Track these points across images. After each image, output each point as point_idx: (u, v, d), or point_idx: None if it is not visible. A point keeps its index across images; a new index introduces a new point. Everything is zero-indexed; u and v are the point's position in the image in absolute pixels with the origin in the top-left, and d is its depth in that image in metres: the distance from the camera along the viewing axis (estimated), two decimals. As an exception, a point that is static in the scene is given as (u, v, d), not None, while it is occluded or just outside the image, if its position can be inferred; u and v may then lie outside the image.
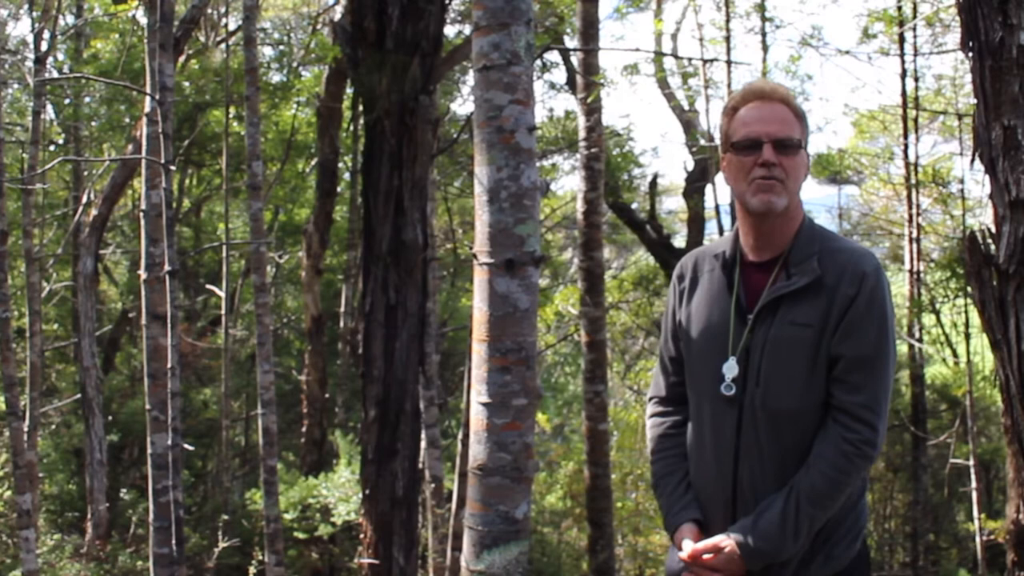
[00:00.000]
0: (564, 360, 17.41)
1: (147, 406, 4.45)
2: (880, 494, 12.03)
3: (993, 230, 3.03)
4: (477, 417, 1.76)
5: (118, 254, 15.12)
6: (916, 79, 11.32)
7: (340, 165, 12.30)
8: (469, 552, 1.76)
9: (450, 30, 11.02)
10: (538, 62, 11.11)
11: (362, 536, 5.62)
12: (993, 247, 3.01)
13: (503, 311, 1.73)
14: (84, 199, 11.18)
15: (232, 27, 12.55)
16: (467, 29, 10.92)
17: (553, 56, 12.39)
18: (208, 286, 13.53)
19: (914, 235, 10.79)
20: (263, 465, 6.32)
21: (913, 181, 10.82)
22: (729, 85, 10.59)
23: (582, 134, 7.58)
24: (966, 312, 10.08)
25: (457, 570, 7.27)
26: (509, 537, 1.74)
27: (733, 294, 2.14)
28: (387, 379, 5.41)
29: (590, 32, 7.31)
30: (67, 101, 12.18)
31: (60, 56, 12.37)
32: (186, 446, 5.98)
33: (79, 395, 10.53)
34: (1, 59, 9.89)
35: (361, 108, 8.81)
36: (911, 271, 10.77)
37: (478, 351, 1.76)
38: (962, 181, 11.38)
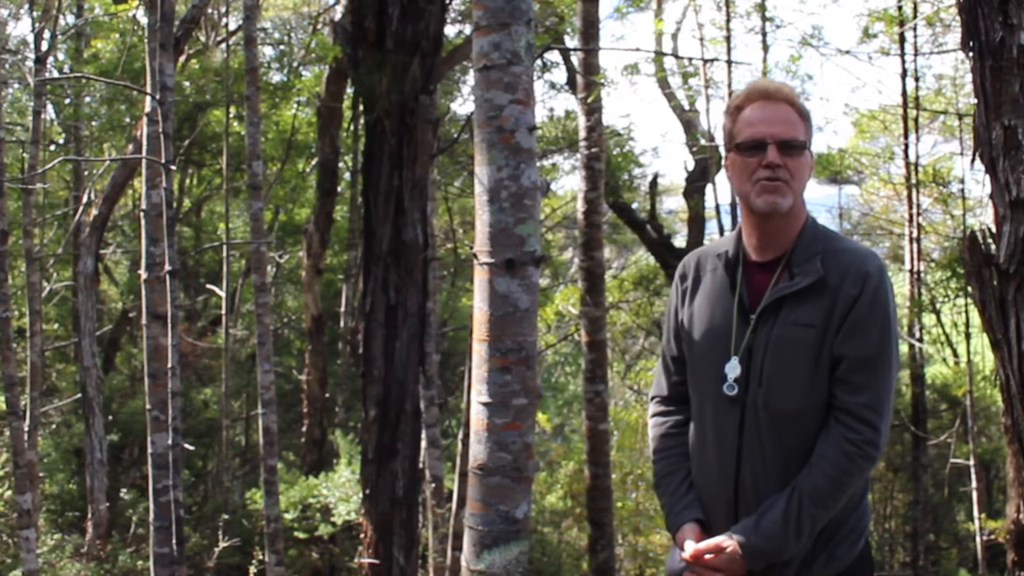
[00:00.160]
0: (564, 360, 17.41)
1: (147, 406, 4.45)
2: (880, 494, 12.03)
3: (993, 230, 3.03)
4: (477, 417, 1.76)
5: (118, 254, 15.12)
6: (916, 79, 11.33)
7: (340, 165, 12.30)
8: (469, 552, 1.76)
9: (450, 30, 11.03)
10: (538, 62, 11.10)
11: (362, 536, 5.62)
12: (993, 247, 3.01)
13: (503, 311, 1.73)
14: (84, 199, 11.18)
15: (232, 27, 12.55)
16: (467, 29, 10.92)
17: (553, 56, 12.40)
18: (208, 286, 13.54)
19: (914, 235, 10.79)
20: (263, 465, 6.32)
21: (913, 181, 10.82)
22: (729, 85, 10.59)
23: (582, 134, 7.58)
24: (966, 312, 10.08)
25: (457, 570, 7.28)
26: (509, 537, 1.74)
27: (736, 294, 2.14)
28: (387, 379, 5.41)
29: (590, 32, 7.31)
30: (67, 101, 12.18)
31: (60, 56, 12.38)
32: (186, 446, 5.98)
33: (79, 395, 10.54)
34: (1, 59, 9.89)
35: (361, 108, 8.81)
36: (911, 271, 10.77)
37: (478, 351, 1.76)
38: (962, 181, 11.38)
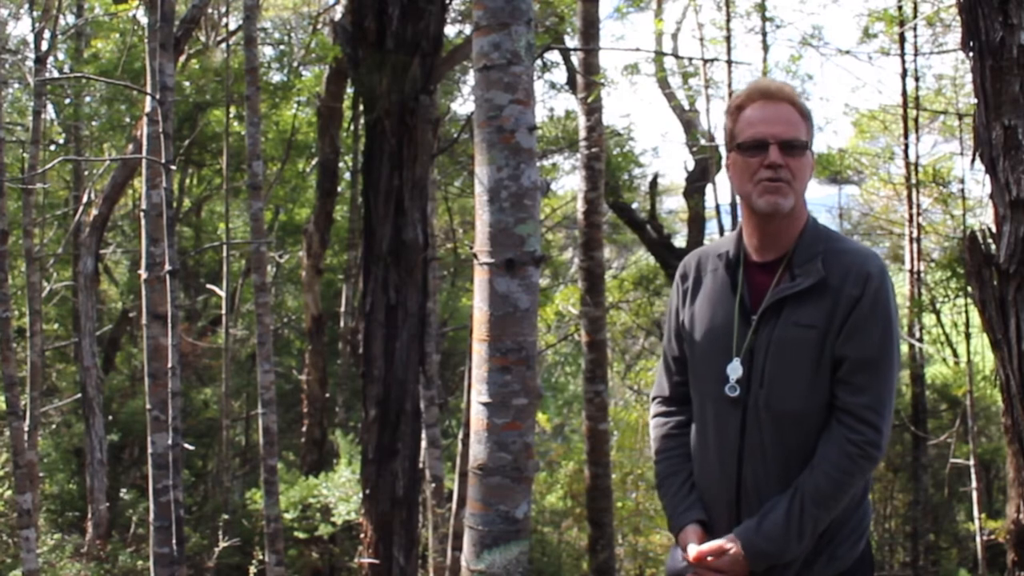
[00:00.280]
0: (564, 360, 17.41)
1: (147, 406, 4.45)
2: (880, 494, 12.02)
3: (993, 230, 3.03)
4: (477, 417, 1.76)
5: (118, 254, 15.12)
6: (916, 79, 11.32)
7: (340, 165, 12.30)
8: (469, 552, 1.76)
9: (450, 30, 11.03)
10: (538, 62, 11.10)
11: (362, 536, 5.62)
12: (993, 247, 3.01)
13: (503, 311, 1.73)
14: (84, 199, 11.18)
15: (232, 27, 12.55)
16: (467, 29, 10.92)
17: (553, 56, 12.40)
18: (208, 286, 13.54)
19: (914, 235, 10.78)
20: (263, 465, 6.32)
21: (913, 181, 10.82)
22: (730, 85, 10.58)
23: (582, 134, 7.58)
24: (966, 312, 10.08)
25: (457, 570, 7.28)
26: (509, 537, 1.74)
27: (737, 295, 2.14)
28: (387, 379, 5.41)
29: (590, 32, 7.31)
30: (67, 101, 12.18)
31: (60, 56, 12.38)
32: (186, 446, 5.97)
33: (79, 395, 10.54)
34: (1, 59, 9.89)
35: (361, 108, 8.81)
36: (911, 271, 10.76)
37: (478, 351, 1.76)
38: (962, 181, 11.38)
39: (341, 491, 8.96)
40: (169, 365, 4.52)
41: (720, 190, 14.64)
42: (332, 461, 10.69)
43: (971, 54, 3.02)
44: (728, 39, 10.83)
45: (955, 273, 9.70)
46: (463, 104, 14.64)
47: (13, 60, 11.44)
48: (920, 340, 10.53)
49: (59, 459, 11.26)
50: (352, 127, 11.98)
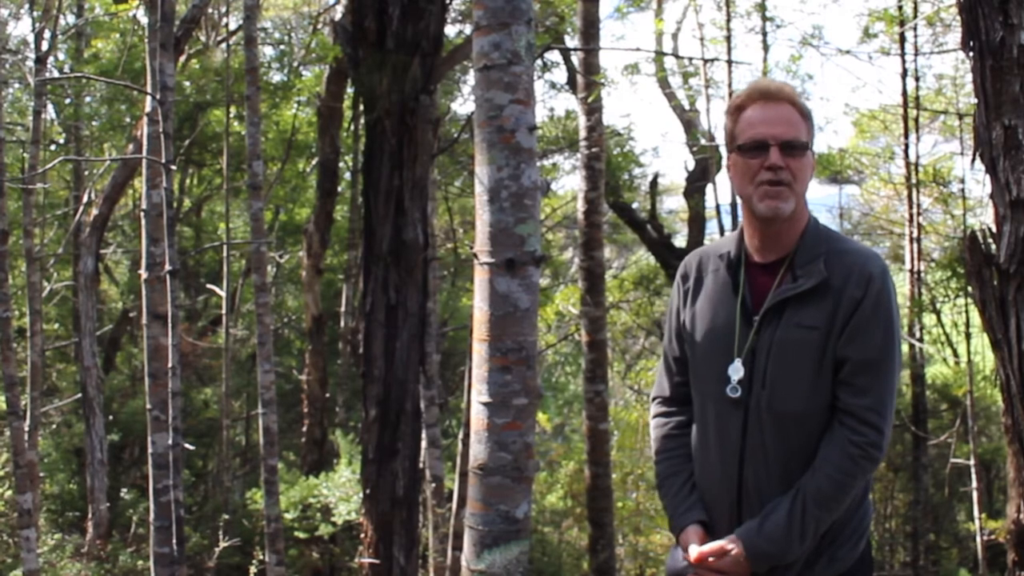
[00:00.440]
0: (565, 360, 17.41)
1: (148, 406, 4.45)
2: (881, 494, 12.02)
3: (994, 230, 3.03)
4: (478, 417, 1.76)
5: (119, 254, 15.12)
6: (917, 79, 11.31)
7: (340, 165, 12.30)
8: (470, 551, 1.76)
9: (450, 30, 11.03)
10: (539, 62, 11.10)
11: (363, 536, 5.62)
12: (994, 247, 3.01)
13: (504, 311, 1.73)
14: (85, 199, 11.18)
15: (233, 27, 12.55)
16: (467, 29, 10.92)
17: (554, 56, 12.40)
18: (209, 286, 13.54)
19: (915, 235, 10.78)
20: (264, 465, 6.32)
21: (914, 181, 10.82)
22: (730, 85, 10.58)
23: (583, 134, 7.58)
24: (967, 312, 10.08)
25: (458, 570, 7.28)
26: (510, 537, 1.74)
27: (738, 296, 2.13)
28: (387, 379, 5.41)
29: (591, 32, 7.31)
30: (68, 101, 12.18)
31: (61, 56, 12.39)
32: (187, 446, 5.97)
33: (80, 395, 10.54)
34: (2, 59, 9.88)
35: (362, 108, 8.81)
36: (912, 271, 10.76)
37: (479, 351, 1.76)
38: (963, 181, 11.38)
39: (341, 491, 8.96)
40: (169, 365, 4.52)
41: (720, 190, 14.64)
42: (332, 461, 10.69)
43: (971, 54, 3.02)
44: (728, 39, 10.83)
45: (955, 273, 9.70)
46: (463, 104, 14.65)
47: (13, 60, 11.44)
48: (920, 340, 10.53)
49: (59, 459, 11.26)
50: (352, 127, 11.98)
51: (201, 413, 12.98)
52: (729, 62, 10.26)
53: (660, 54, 12.41)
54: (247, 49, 6.36)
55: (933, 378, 12.32)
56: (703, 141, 12.32)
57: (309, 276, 11.24)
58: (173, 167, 4.39)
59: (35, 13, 9.73)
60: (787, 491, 2.03)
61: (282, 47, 14.20)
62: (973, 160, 3.08)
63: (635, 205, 13.98)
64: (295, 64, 13.19)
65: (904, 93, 10.87)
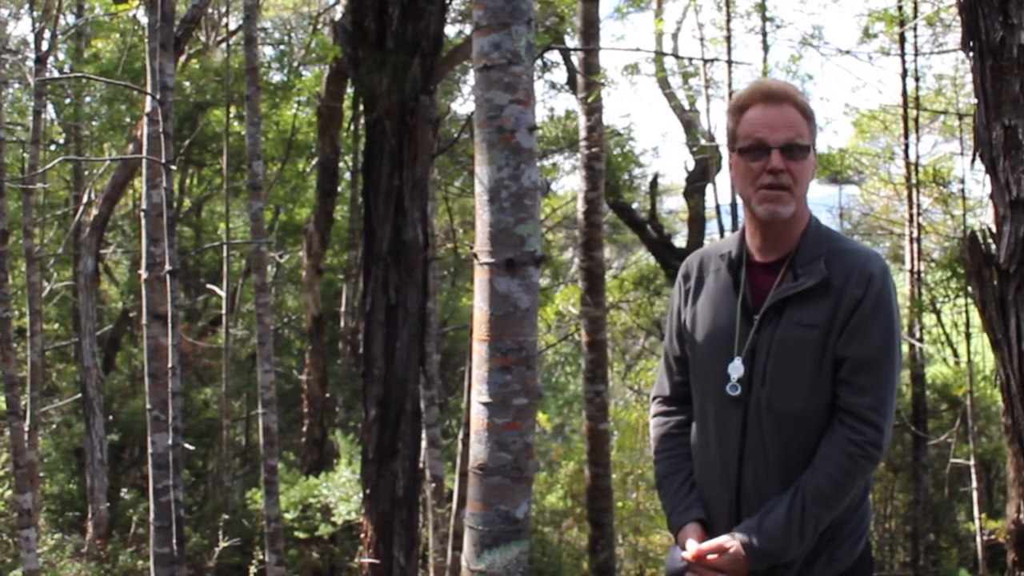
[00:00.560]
0: (564, 360, 17.41)
1: (148, 406, 4.45)
2: (881, 494, 12.02)
3: (994, 230, 3.03)
4: (478, 417, 1.76)
5: (119, 254, 15.12)
6: (917, 79, 11.32)
7: (340, 165, 12.30)
8: (470, 551, 1.76)
9: (450, 30, 11.04)
10: (539, 62, 11.10)
11: (363, 536, 5.62)
12: (994, 247, 3.01)
13: (503, 311, 1.73)
14: (85, 199, 11.18)
15: (233, 27, 12.55)
16: (467, 29, 10.92)
17: (554, 56, 12.40)
18: (209, 286, 13.54)
19: (915, 235, 10.78)
20: (264, 465, 6.32)
21: (914, 181, 10.82)
22: (730, 85, 10.58)
23: (583, 134, 7.58)
24: (967, 312, 10.08)
25: (458, 570, 7.28)
26: (510, 537, 1.74)
27: (739, 294, 2.14)
28: (387, 379, 5.41)
29: (591, 32, 7.31)
30: (68, 101, 12.18)
31: (61, 56, 12.39)
32: (187, 446, 5.98)
33: (80, 395, 10.54)
34: (2, 59, 9.88)
35: (361, 108, 8.81)
36: (912, 271, 10.76)
37: (479, 351, 1.76)
38: (963, 181, 11.38)
39: (341, 491, 8.96)
40: (169, 365, 4.52)
41: (720, 190, 14.62)
42: (332, 461, 10.69)
43: (971, 54, 3.02)
44: (728, 39, 10.83)
45: (955, 273, 9.70)
46: (463, 104, 14.66)
47: (13, 60, 11.44)
48: (920, 340, 10.53)
49: (59, 459, 11.26)
50: (352, 127, 11.99)
51: (201, 413, 12.98)
52: (729, 62, 10.26)
53: (660, 54, 12.41)
54: (247, 49, 6.36)
55: (933, 378, 12.32)
56: (703, 141, 12.32)
57: (309, 276, 11.24)
58: (173, 167, 4.39)
59: (35, 13, 9.74)
60: (786, 490, 2.03)
61: (282, 47, 14.21)
62: (973, 160, 3.08)
63: (635, 205, 13.98)
64: (295, 64, 13.19)
65: (904, 93, 10.87)
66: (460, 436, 8.07)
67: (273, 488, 6.17)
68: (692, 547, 2.09)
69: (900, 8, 10.48)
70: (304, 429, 11.45)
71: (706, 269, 2.24)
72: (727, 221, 11.11)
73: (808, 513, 1.99)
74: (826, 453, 2.01)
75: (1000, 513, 9.42)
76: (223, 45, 12.32)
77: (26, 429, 7.58)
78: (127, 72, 10.32)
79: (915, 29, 10.76)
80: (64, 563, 9.14)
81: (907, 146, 11.05)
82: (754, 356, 2.08)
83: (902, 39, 10.68)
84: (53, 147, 13.31)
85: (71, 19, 11.93)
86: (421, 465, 6.38)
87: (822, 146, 14.27)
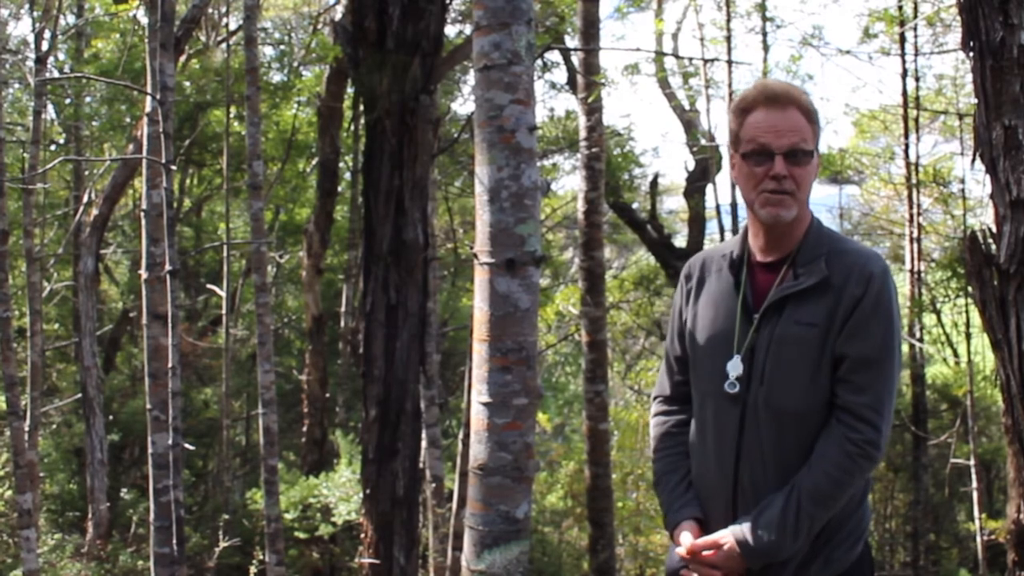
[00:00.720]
0: (565, 360, 17.41)
1: (148, 406, 4.45)
2: (881, 494, 12.02)
3: (994, 230, 3.03)
4: (478, 417, 1.76)
5: (119, 254, 15.12)
6: (917, 79, 11.32)
7: (341, 165, 12.30)
8: (470, 551, 1.76)
9: (450, 30, 11.03)
10: (539, 62, 11.10)
11: (363, 536, 5.63)
12: (994, 247, 3.01)
13: (504, 311, 1.73)
14: (85, 199, 11.18)
15: (233, 27, 12.56)
16: (467, 29, 10.92)
17: (554, 56, 12.40)
18: (209, 286, 13.54)
19: (915, 235, 10.78)
20: (264, 465, 6.32)
21: (914, 181, 10.82)
22: (730, 85, 10.57)
23: (583, 134, 7.58)
24: (967, 312, 10.08)
25: (458, 570, 7.28)
26: (510, 537, 1.74)
27: (740, 293, 2.14)
28: (388, 379, 5.41)
29: (591, 32, 7.31)
30: (68, 101, 12.18)
31: (61, 56, 12.39)
32: (187, 446, 5.98)
33: (80, 395, 10.54)
34: (2, 59, 9.88)
35: (362, 108, 8.81)
36: (912, 271, 10.76)
37: (479, 351, 1.76)
38: (963, 181, 11.38)
39: (341, 491, 8.96)
40: (169, 365, 4.52)
41: (720, 190, 14.63)
42: (332, 461, 10.69)
43: (971, 54, 3.02)
44: (728, 39, 10.83)
45: (955, 273, 9.70)
46: (463, 104, 14.66)
47: (13, 60, 11.44)
48: (920, 340, 10.53)
49: (59, 459, 11.26)
50: (352, 127, 11.99)
51: (201, 413, 12.98)
52: (729, 62, 10.26)
53: (660, 54, 12.41)
54: (247, 49, 6.36)
55: (933, 378, 12.32)
56: (703, 141, 12.32)
57: (309, 276, 11.24)
58: (173, 167, 4.39)
59: (35, 13, 9.74)
60: (782, 488, 2.02)
61: (282, 47, 14.21)
62: (973, 160, 3.08)
63: (635, 205, 13.98)
64: (295, 64, 13.19)
65: (904, 93, 10.87)
66: (460, 436, 8.07)
67: (273, 488, 6.17)
68: (687, 541, 2.09)
69: (900, 8, 10.48)
70: (304, 429, 11.45)
71: (708, 269, 2.25)
72: (727, 221, 11.11)
73: (804, 511, 1.98)
74: (823, 451, 2.01)
75: (1000, 513, 9.42)
76: (223, 45, 12.32)
77: (26, 429, 7.58)
78: (127, 72, 10.32)
79: (915, 29, 10.76)
80: (64, 563, 9.14)
81: (907, 146, 11.05)
82: (753, 354, 2.08)
83: (902, 39, 10.68)
84: (53, 147, 13.31)
85: (71, 19, 11.93)
86: (421, 465, 6.38)
87: (823, 146, 14.24)
